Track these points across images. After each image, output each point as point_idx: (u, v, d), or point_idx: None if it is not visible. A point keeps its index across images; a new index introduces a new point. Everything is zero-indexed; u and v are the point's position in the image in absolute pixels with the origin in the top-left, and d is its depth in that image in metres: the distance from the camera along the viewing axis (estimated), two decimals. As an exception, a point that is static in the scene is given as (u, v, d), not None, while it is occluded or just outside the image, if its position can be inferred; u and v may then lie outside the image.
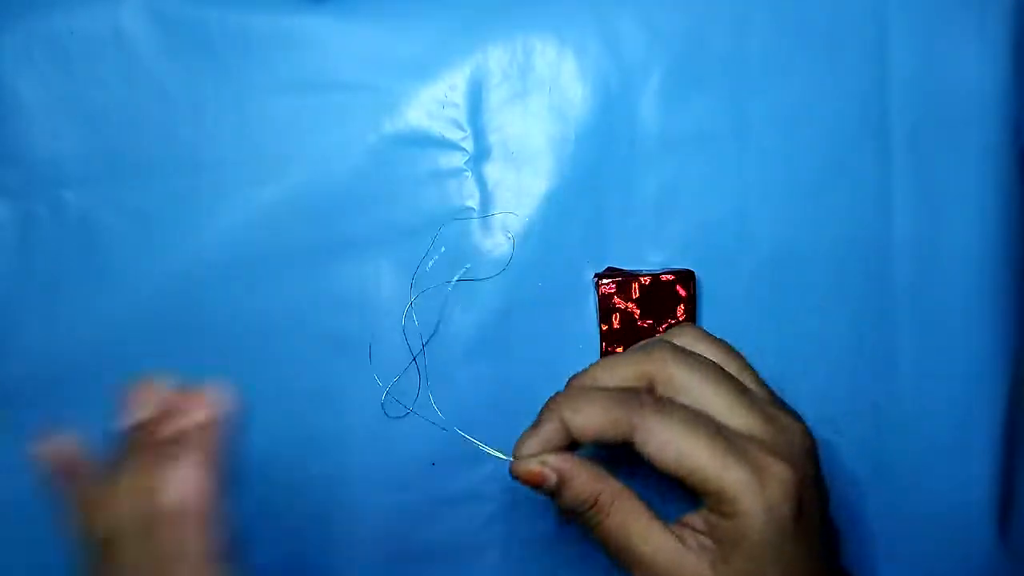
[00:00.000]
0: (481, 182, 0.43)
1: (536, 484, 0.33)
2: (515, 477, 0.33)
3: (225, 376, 0.43)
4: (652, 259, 0.42)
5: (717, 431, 0.31)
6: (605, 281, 0.41)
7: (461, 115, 0.43)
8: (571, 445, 0.33)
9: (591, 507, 0.33)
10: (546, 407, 0.33)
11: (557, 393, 0.34)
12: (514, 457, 0.33)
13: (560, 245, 0.42)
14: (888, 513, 0.41)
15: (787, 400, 0.36)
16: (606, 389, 0.33)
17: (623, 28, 0.42)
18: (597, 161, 0.43)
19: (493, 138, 0.43)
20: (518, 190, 0.43)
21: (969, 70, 0.42)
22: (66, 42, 0.42)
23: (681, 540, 0.32)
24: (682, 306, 0.41)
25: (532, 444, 0.33)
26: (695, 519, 0.32)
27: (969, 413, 0.42)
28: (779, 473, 0.31)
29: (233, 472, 0.40)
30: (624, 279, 0.41)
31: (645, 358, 0.34)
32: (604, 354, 0.42)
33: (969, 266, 0.42)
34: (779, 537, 0.31)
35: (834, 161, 0.43)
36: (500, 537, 0.43)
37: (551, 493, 0.33)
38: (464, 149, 0.43)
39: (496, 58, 0.42)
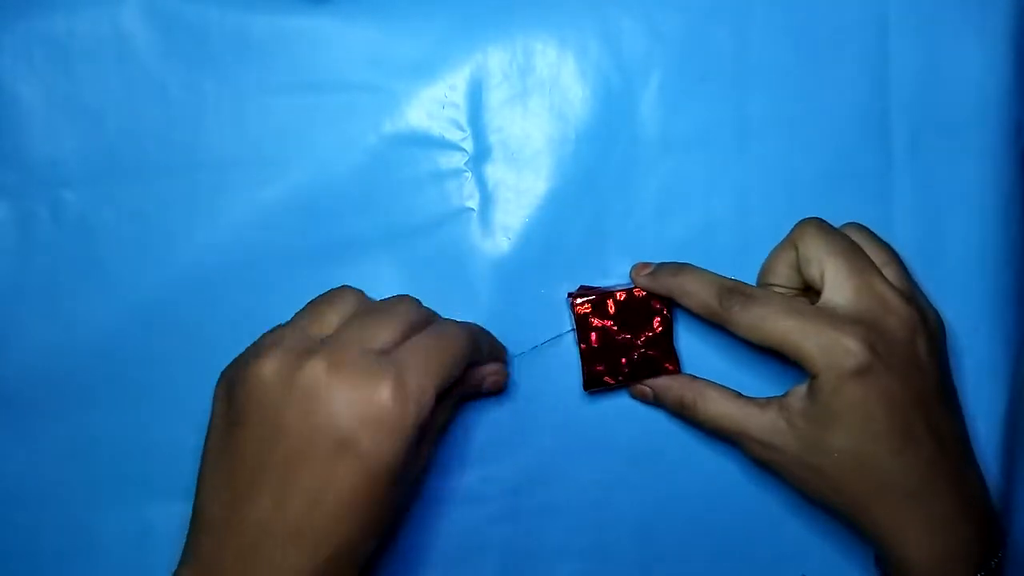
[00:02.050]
0: (481, 182, 0.43)
1: (643, 398, 0.42)
2: (632, 394, 0.43)
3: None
4: (651, 259, 0.42)
5: (800, 312, 0.37)
6: (579, 301, 0.41)
7: (461, 115, 0.43)
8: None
9: (683, 406, 0.41)
10: (664, 272, 0.41)
11: (674, 266, 0.41)
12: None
13: (560, 245, 0.42)
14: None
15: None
16: (710, 280, 0.40)
17: (623, 28, 0.42)
18: (597, 161, 0.43)
19: (493, 138, 0.43)
20: (518, 190, 0.43)
21: (969, 71, 0.42)
22: (66, 42, 0.42)
23: (763, 407, 0.39)
24: (658, 318, 0.41)
25: (643, 282, 0.42)
26: (792, 389, 0.38)
27: (969, 413, 0.42)
28: (847, 342, 0.36)
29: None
30: (598, 297, 0.41)
31: (795, 230, 0.40)
32: (587, 374, 0.42)
33: (969, 266, 0.42)
34: (845, 390, 0.36)
35: (834, 161, 0.43)
36: (500, 537, 0.43)
37: (655, 402, 0.42)
38: (464, 149, 0.43)
39: (496, 58, 0.42)
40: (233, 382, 0.34)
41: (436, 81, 0.42)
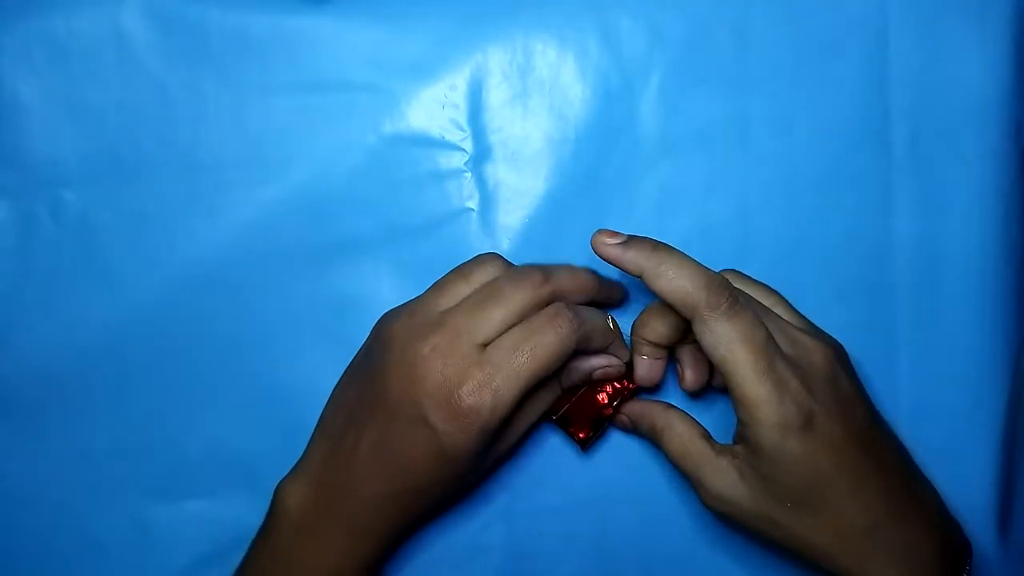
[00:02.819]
0: (481, 182, 0.43)
1: (623, 427, 0.42)
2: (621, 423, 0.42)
3: (225, 376, 0.43)
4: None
5: (763, 347, 0.35)
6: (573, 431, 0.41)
7: (461, 115, 0.43)
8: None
9: (654, 433, 0.39)
10: (639, 246, 0.36)
11: (652, 242, 0.37)
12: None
13: (560, 245, 0.42)
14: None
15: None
16: (697, 269, 0.36)
17: (623, 28, 0.42)
18: (597, 161, 0.43)
19: (493, 138, 0.43)
20: (518, 190, 0.43)
21: (969, 71, 0.42)
22: (66, 42, 0.42)
23: (719, 454, 0.37)
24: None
25: (612, 252, 0.37)
26: (736, 439, 0.37)
27: (969, 414, 0.42)
28: (795, 394, 0.35)
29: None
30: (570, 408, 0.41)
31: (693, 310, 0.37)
32: (580, 442, 0.41)
33: (969, 266, 0.42)
34: (792, 446, 0.35)
35: (834, 161, 0.43)
36: (500, 538, 0.43)
37: (634, 430, 0.41)
38: (464, 149, 0.43)
39: (496, 58, 0.42)
40: (378, 329, 0.38)
41: (436, 81, 0.42)
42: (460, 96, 0.43)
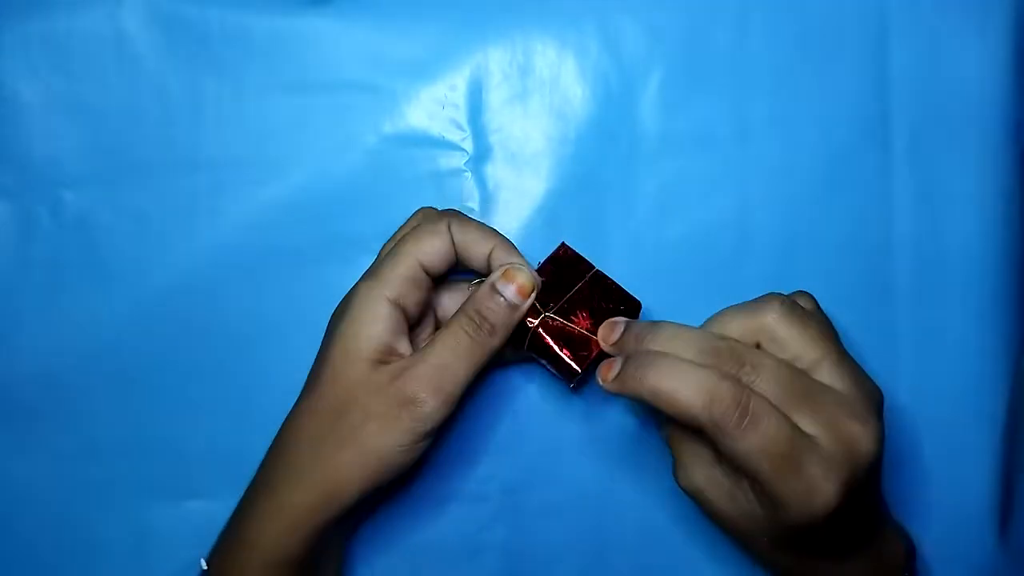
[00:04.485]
0: (481, 182, 0.43)
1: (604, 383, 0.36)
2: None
3: (225, 376, 0.43)
4: (651, 259, 0.42)
5: (788, 453, 0.32)
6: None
7: (461, 115, 0.43)
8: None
9: (652, 397, 0.34)
10: (635, 370, 0.34)
11: (647, 356, 0.34)
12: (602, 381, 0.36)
13: (560, 245, 0.42)
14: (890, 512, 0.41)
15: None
16: (696, 378, 0.33)
17: (623, 28, 0.42)
18: (597, 161, 0.43)
19: (493, 138, 0.43)
20: (518, 190, 0.43)
21: (969, 71, 0.42)
22: (66, 42, 0.42)
23: (727, 475, 0.35)
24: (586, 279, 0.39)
25: (612, 387, 0.35)
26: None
27: (969, 414, 0.42)
28: (826, 492, 0.32)
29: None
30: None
31: (757, 312, 0.35)
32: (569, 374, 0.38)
33: (969, 266, 0.42)
34: (807, 529, 0.33)
35: (834, 161, 0.43)
36: (500, 537, 0.43)
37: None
38: (464, 149, 0.43)
39: (496, 58, 0.42)
40: None
41: (436, 81, 0.42)
42: (460, 96, 0.43)
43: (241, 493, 0.42)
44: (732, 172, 0.43)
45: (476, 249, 0.37)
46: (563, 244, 0.39)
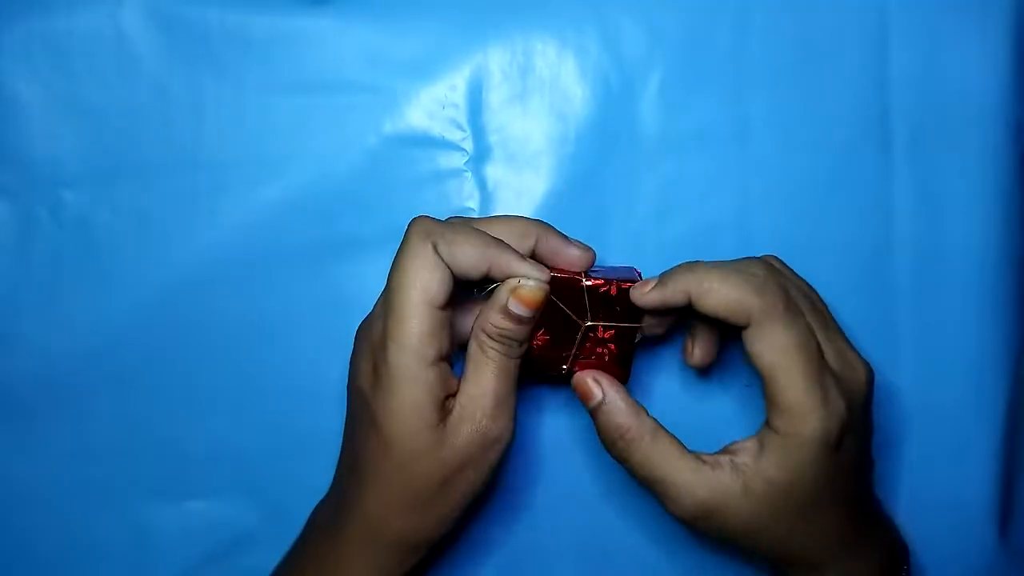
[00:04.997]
0: (481, 182, 0.43)
1: (585, 397, 0.37)
2: (573, 384, 0.37)
3: (225, 376, 0.43)
4: (651, 259, 0.42)
5: (816, 357, 0.34)
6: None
7: (461, 115, 0.43)
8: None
9: (621, 437, 0.36)
10: (675, 274, 0.36)
11: (685, 265, 0.36)
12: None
13: (560, 245, 0.42)
14: (888, 513, 0.41)
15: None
16: (744, 275, 0.35)
17: (623, 28, 0.42)
18: (597, 161, 0.43)
19: (493, 138, 0.43)
20: (518, 190, 0.43)
21: (969, 71, 0.42)
22: (66, 42, 0.42)
23: (713, 465, 0.35)
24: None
25: (654, 296, 0.36)
26: (738, 445, 0.35)
27: (969, 413, 0.42)
28: (838, 409, 0.34)
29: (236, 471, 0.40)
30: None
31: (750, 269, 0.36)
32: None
33: (969, 266, 0.42)
34: (823, 457, 0.34)
35: (834, 161, 0.43)
36: (500, 537, 0.43)
37: (592, 411, 0.37)
38: (464, 149, 0.43)
39: (496, 58, 0.42)
40: None
41: (436, 81, 0.42)
42: (460, 96, 0.43)
43: (240, 493, 0.42)
44: (732, 172, 0.43)
45: (472, 271, 0.35)
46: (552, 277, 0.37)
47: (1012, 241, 0.42)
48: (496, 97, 0.43)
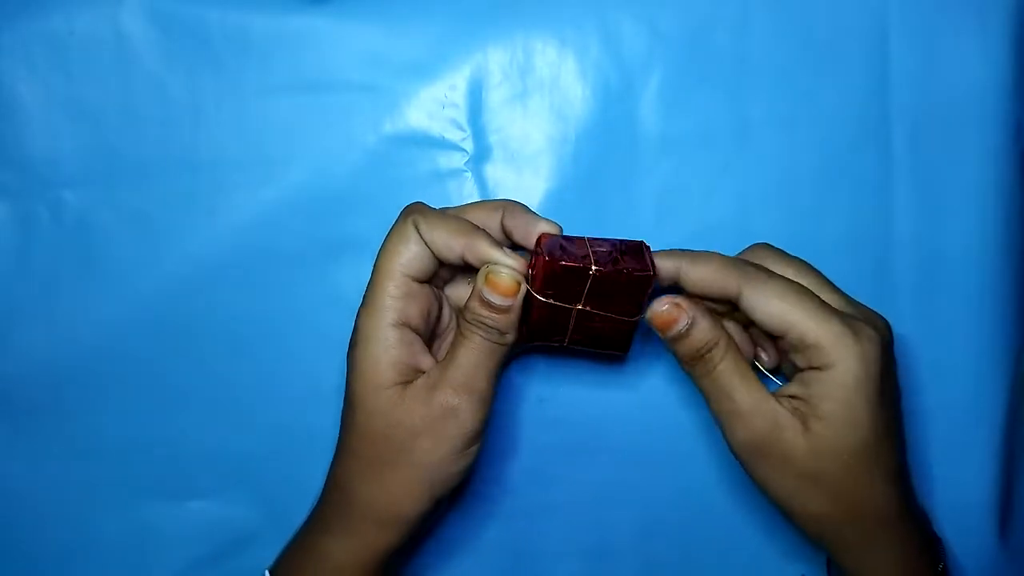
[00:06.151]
0: (481, 182, 0.43)
1: (670, 324, 0.36)
2: (651, 319, 0.36)
3: (224, 376, 0.43)
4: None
5: (816, 296, 0.35)
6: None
7: (461, 115, 0.43)
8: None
9: (707, 352, 0.36)
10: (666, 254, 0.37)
11: (676, 251, 0.37)
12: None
13: (560, 245, 0.42)
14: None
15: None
16: (720, 256, 0.36)
17: (623, 28, 0.42)
18: (597, 161, 0.43)
19: (493, 138, 0.43)
20: (518, 190, 0.43)
21: (969, 70, 0.42)
22: (66, 42, 0.42)
23: (777, 401, 0.35)
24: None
25: (668, 264, 0.37)
26: (789, 387, 0.36)
27: (969, 414, 0.42)
28: (870, 333, 0.34)
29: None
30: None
31: (745, 255, 0.38)
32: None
33: (969, 266, 0.42)
34: (869, 388, 0.34)
35: (834, 161, 0.43)
36: (500, 537, 0.43)
37: (676, 337, 0.36)
38: (464, 149, 0.43)
39: (496, 58, 0.42)
40: None
41: (436, 81, 0.42)
42: (460, 96, 0.43)
43: (240, 493, 0.42)
44: (732, 172, 0.43)
45: (448, 251, 0.36)
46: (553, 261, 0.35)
47: (1012, 241, 0.42)
48: (496, 97, 0.43)
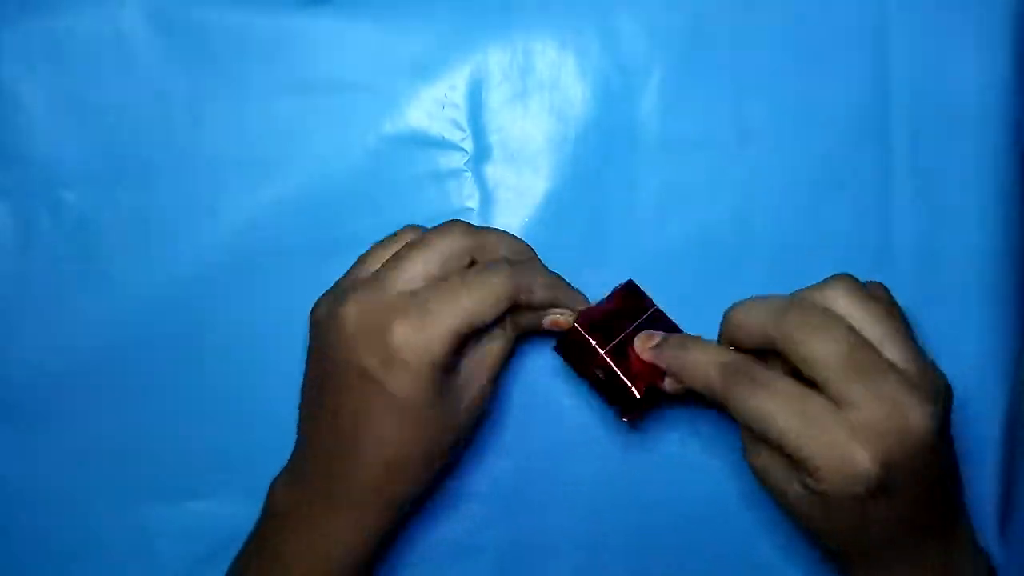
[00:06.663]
0: (481, 182, 0.43)
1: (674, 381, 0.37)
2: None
3: (225, 376, 0.43)
4: (652, 259, 0.42)
5: (809, 413, 0.32)
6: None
7: (461, 115, 0.43)
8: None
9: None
10: (665, 344, 0.37)
11: (672, 337, 0.38)
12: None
13: (560, 245, 0.42)
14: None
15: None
16: (722, 353, 0.35)
17: (623, 28, 0.42)
18: (597, 161, 0.43)
19: (493, 138, 0.43)
20: (518, 190, 0.43)
21: (969, 71, 0.42)
22: (66, 42, 0.42)
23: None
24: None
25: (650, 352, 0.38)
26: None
27: (969, 414, 0.42)
28: (860, 461, 0.31)
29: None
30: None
31: (823, 288, 0.35)
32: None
33: (969, 266, 0.42)
34: (851, 507, 0.32)
35: (834, 161, 0.43)
36: (498, 536, 0.43)
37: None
38: (464, 149, 0.43)
39: (496, 58, 0.42)
40: (310, 316, 0.38)
41: (436, 81, 0.42)
42: (460, 96, 0.43)
43: (240, 493, 0.42)
44: (732, 172, 0.43)
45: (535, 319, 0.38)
46: (630, 281, 0.40)
47: (1012, 241, 0.42)
48: (496, 97, 0.43)
